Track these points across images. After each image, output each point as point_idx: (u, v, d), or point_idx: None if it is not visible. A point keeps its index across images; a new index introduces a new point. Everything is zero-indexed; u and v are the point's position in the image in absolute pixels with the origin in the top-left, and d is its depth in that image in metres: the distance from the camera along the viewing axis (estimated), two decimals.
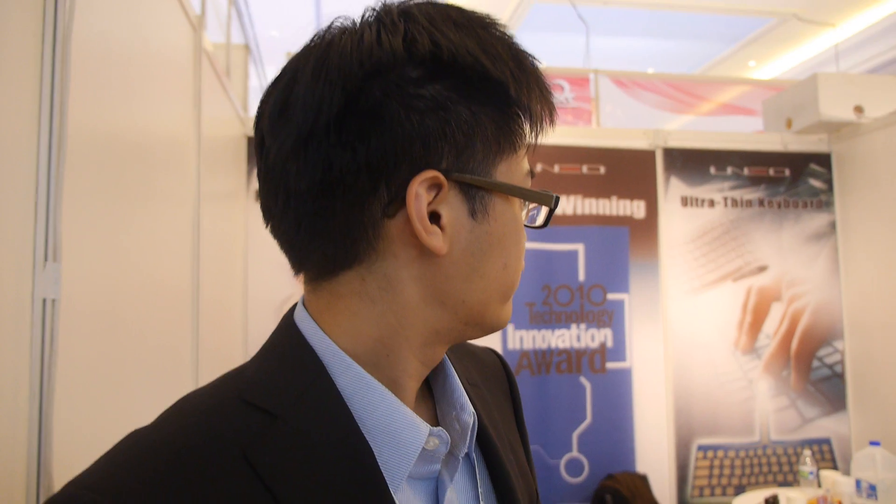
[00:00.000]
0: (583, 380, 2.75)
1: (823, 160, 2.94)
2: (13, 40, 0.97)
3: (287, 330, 0.57)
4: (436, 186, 0.51)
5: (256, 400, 0.51)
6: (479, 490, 0.61)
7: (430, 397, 0.63)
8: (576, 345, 2.75)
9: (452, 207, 0.52)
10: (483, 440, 0.63)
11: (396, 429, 0.53)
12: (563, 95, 4.95)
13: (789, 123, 2.96)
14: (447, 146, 0.51)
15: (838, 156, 2.92)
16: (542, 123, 0.55)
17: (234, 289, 2.50)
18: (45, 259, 1.02)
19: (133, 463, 0.46)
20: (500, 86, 0.52)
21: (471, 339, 0.59)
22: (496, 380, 0.75)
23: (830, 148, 2.94)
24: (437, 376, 0.63)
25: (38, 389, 0.99)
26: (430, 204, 0.51)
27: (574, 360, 2.75)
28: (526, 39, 0.54)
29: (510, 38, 0.53)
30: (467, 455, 0.61)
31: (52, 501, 0.44)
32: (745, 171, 2.90)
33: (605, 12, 7.03)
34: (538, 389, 2.72)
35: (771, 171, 2.92)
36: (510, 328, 2.69)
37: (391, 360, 0.55)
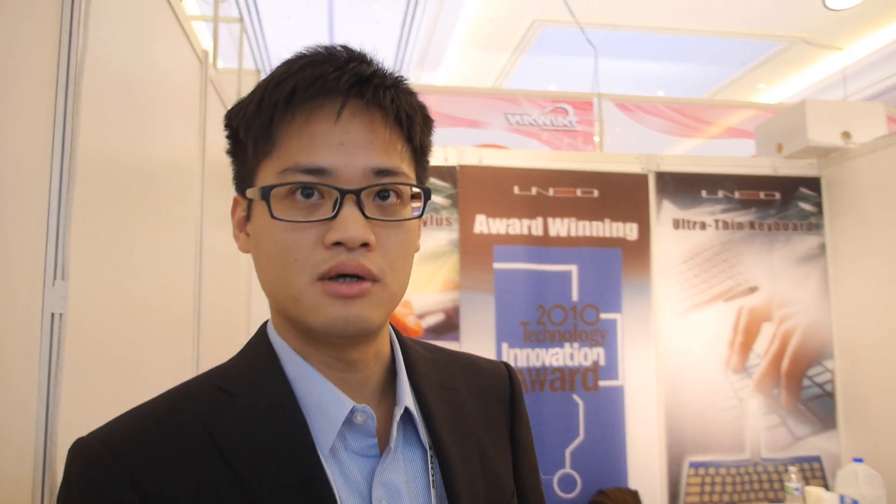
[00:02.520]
0: (576, 397, 2.82)
1: (813, 184, 3.01)
2: (29, 75, 1.09)
3: (258, 333, 0.72)
4: (239, 203, 0.71)
5: (223, 384, 0.66)
6: (431, 478, 0.68)
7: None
8: (569, 363, 2.83)
9: (247, 215, 0.69)
10: (434, 437, 0.70)
11: (324, 404, 0.65)
12: (567, 119, 5.09)
13: (780, 148, 3.04)
14: (236, 175, 0.71)
15: (827, 180, 3.00)
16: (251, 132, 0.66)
17: (237, 306, 2.61)
18: (55, 277, 1.13)
19: (125, 423, 0.64)
20: (230, 127, 0.70)
21: (305, 334, 0.66)
22: (494, 393, 0.80)
23: (820, 172, 3.01)
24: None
25: (46, 396, 1.10)
26: (244, 216, 0.70)
27: (567, 379, 2.82)
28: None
29: (277, 77, 0.67)
30: (421, 446, 0.69)
31: (76, 443, 0.62)
32: (737, 194, 2.98)
33: (614, 36, 7.14)
34: (532, 407, 2.74)
35: (762, 195, 2.99)
36: (504, 346, 2.78)
37: (306, 351, 0.67)
